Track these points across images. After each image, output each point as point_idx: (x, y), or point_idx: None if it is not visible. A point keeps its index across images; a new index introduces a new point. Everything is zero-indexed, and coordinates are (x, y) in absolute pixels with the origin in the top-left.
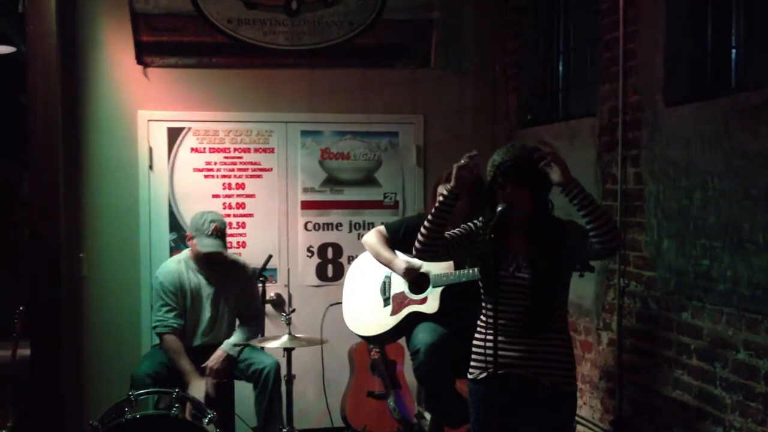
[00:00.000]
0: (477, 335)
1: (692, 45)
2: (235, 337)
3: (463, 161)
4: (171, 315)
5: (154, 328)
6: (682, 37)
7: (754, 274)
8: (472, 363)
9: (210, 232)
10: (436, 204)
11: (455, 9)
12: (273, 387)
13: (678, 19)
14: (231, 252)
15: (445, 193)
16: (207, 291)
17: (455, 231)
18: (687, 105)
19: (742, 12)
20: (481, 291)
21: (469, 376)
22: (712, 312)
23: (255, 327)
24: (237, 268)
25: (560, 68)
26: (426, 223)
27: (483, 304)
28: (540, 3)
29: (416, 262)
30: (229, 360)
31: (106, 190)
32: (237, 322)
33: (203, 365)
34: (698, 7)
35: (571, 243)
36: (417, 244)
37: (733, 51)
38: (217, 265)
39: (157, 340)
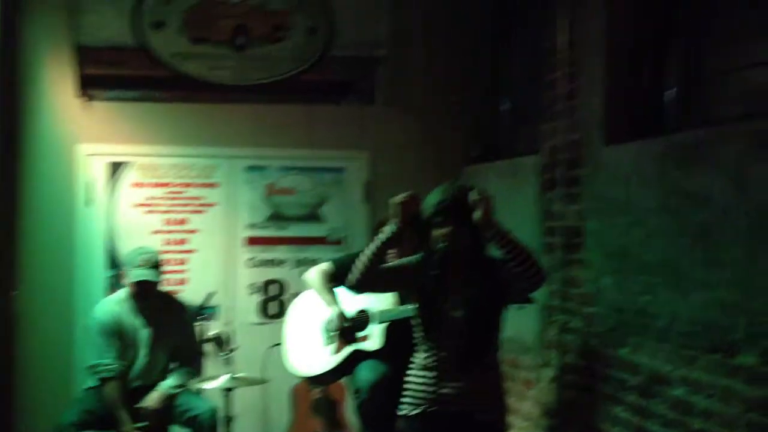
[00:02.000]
0: (410, 371)
1: (631, 85)
2: (173, 379)
3: (402, 196)
4: (114, 358)
5: (98, 372)
6: (621, 78)
7: (691, 310)
8: (403, 399)
9: (140, 263)
10: (378, 237)
11: (402, 47)
12: None
13: (617, 60)
14: (168, 289)
15: (392, 228)
16: (144, 333)
17: (391, 265)
18: (626, 144)
19: (679, 53)
20: (416, 328)
21: (401, 412)
22: (651, 348)
23: (194, 368)
24: (176, 308)
25: (504, 106)
26: (365, 255)
27: (415, 341)
28: (484, 42)
29: (349, 310)
30: (166, 401)
31: (41, 225)
32: (174, 365)
33: (137, 405)
34: (637, 49)
35: (503, 278)
36: (350, 277)
37: (671, 91)
38: (153, 302)
39: (89, 383)
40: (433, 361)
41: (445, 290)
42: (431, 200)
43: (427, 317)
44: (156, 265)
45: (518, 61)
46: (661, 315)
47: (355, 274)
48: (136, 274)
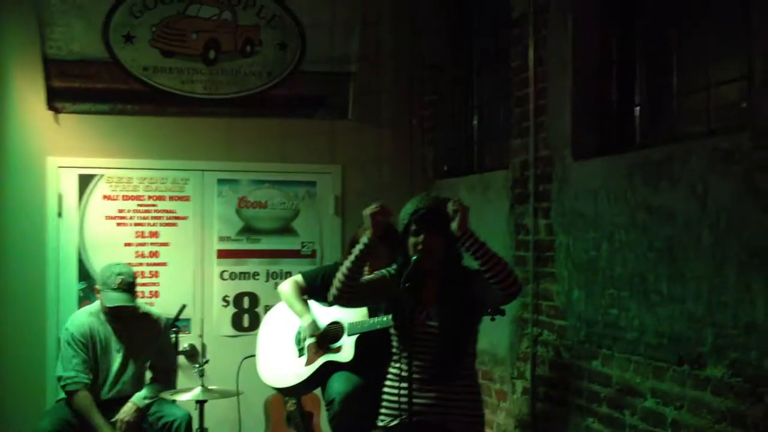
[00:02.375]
0: (387, 382)
1: (598, 102)
2: (146, 391)
3: (373, 207)
4: (81, 370)
5: (64, 385)
6: (588, 95)
7: (659, 323)
8: (382, 410)
9: (116, 286)
10: (354, 251)
11: (373, 62)
12: None
13: (585, 78)
14: (143, 302)
15: (365, 241)
16: (116, 344)
17: (369, 277)
18: (594, 159)
19: (644, 72)
20: (393, 339)
21: (380, 424)
22: (621, 360)
23: (167, 381)
24: (148, 322)
25: (475, 122)
26: (343, 269)
27: (393, 352)
28: (455, 59)
29: (321, 322)
30: (140, 412)
31: (12, 238)
32: (148, 377)
33: (113, 420)
34: (603, 67)
35: (478, 290)
36: (334, 291)
37: (637, 109)
38: (126, 319)
39: (61, 394)
40: (410, 372)
41: (421, 301)
42: (407, 209)
43: (402, 328)
44: (131, 287)
45: (488, 78)
46: (630, 328)
47: (335, 290)
48: (111, 299)
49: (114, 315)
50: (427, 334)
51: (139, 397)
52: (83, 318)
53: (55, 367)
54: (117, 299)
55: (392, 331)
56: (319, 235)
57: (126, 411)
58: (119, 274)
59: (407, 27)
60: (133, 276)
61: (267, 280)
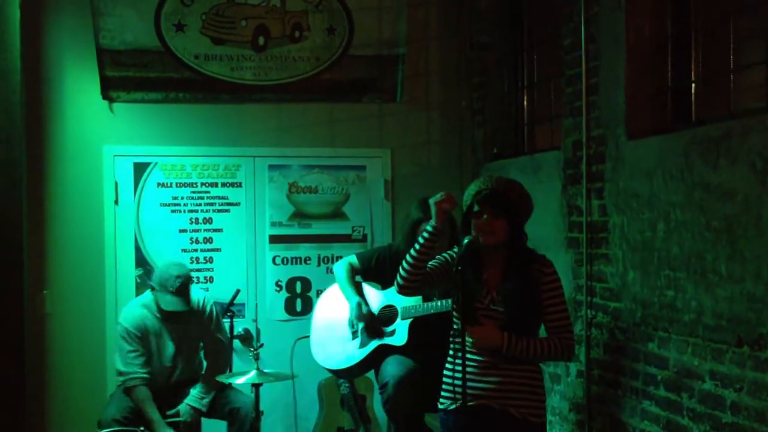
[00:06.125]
0: (448, 365)
1: (653, 79)
2: (200, 388)
3: (439, 196)
4: (139, 364)
5: (123, 382)
6: (642, 72)
7: (717, 304)
8: (442, 393)
9: (174, 290)
10: (420, 240)
11: (421, 45)
12: (250, 428)
13: (638, 54)
14: (193, 287)
15: (429, 229)
16: (169, 335)
17: (432, 263)
18: (649, 138)
19: (700, 48)
20: (455, 322)
21: (440, 406)
22: (678, 342)
23: (219, 365)
24: (196, 315)
25: (525, 103)
26: (408, 258)
27: (455, 335)
28: (504, 39)
29: (376, 305)
30: (198, 413)
31: (70, 226)
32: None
33: (170, 412)
34: (658, 43)
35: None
36: (400, 281)
37: (693, 85)
38: (177, 315)
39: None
40: (471, 356)
41: (484, 283)
42: (470, 191)
43: (466, 310)
44: (187, 289)
45: (537, 57)
46: (687, 309)
47: (400, 279)
48: (168, 302)
49: (170, 314)
50: (491, 318)
51: (195, 399)
52: (136, 311)
53: (114, 358)
54: (174, 304)
55: (454, 314)
56: (370, 219)
57: (186, 413)
58: (178, 277)
59: (454, 7)
60: (190, 276)
61: (318, 265)
